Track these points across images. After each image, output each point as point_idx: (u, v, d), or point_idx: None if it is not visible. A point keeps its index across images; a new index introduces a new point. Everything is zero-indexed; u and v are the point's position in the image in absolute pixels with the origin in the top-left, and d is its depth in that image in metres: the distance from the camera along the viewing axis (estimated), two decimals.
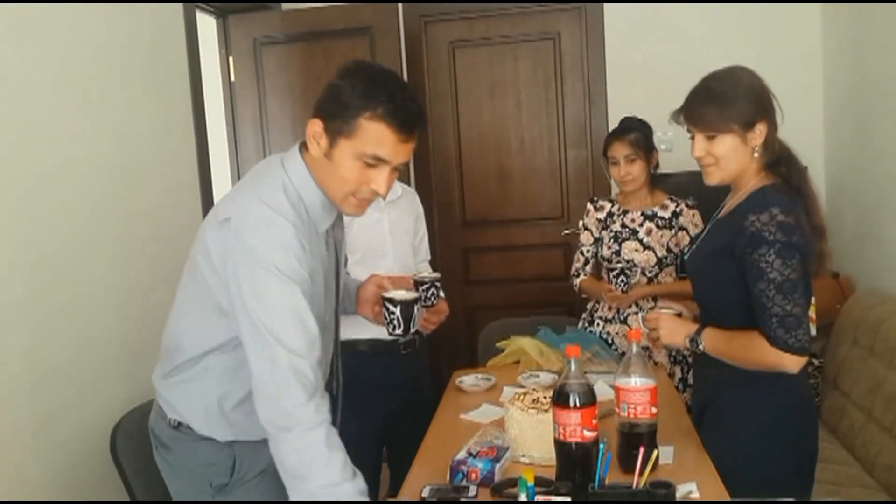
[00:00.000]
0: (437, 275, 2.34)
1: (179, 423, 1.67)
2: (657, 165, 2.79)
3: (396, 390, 2.49)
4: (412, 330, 1.86)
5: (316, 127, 1.51)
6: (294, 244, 1.47)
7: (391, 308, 1.82)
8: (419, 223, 2.69)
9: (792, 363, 1.69)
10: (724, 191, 1.93)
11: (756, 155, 1.79)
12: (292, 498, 1.46)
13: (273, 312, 1.45)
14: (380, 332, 2.36)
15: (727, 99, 1.79)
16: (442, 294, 2.46)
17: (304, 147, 1.58)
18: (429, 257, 2.75)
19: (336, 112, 1.48)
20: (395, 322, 1.83)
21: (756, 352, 1.72)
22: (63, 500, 2.17)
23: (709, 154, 1.82)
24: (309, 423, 1.44)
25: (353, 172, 1.50)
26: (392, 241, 2.51)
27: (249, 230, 1.47)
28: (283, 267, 1.45)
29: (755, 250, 1.70)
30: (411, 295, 1.87)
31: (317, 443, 1.43)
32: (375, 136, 1.47)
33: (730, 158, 1.80)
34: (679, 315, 1.96)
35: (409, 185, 4.03)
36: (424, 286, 2.30)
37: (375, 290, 1.92)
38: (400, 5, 3.95)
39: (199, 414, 1.66)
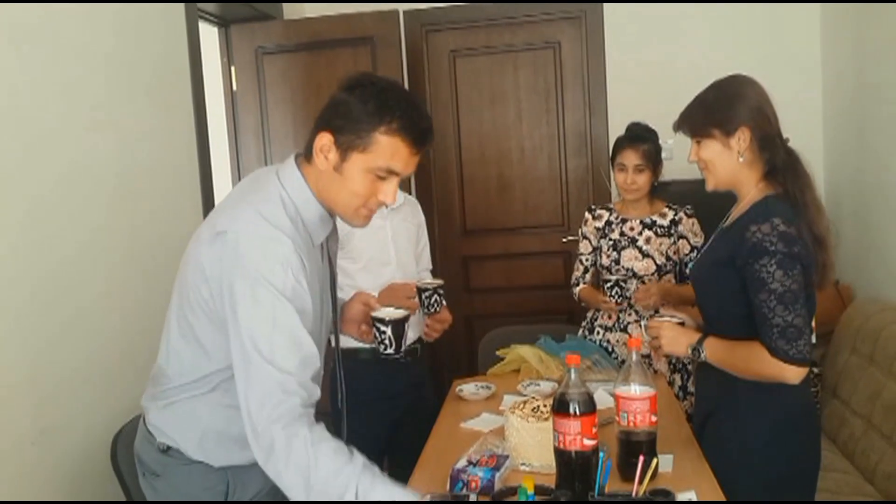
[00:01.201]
0: (439, 282, 2.37)
1: (169, 448, 1.62)
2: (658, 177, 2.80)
3: (398, 399, 2.49)
4: (404, 348, 1.81)
5: (325, 140, 1.48)
6: (293, 260, 1.45)
7: (381, 328, 1.78)
8: (421, 231, 2.71)
9: (793, 374, 1.70)
10: (724, 199, 1.94)
11: (741, 160, 1.81)
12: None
13: (264, 330, 1.42)
14: None
15: (711, 105, 1.85)
16: (444, 302, 2.49)
17: (299, 159, 1.56)
18: (430, 266, 2.77)
19: (347, 126, 1.47)
20: (387, 341, 1.79)
21: (757, 363, 1.73)
22: (63, 501, 2.17)
23: (699, 159, 1.87)
24: (287, 439, 1.39)
25: (365, 185, 1.50)
26: (395, 248, 2.53)
27: (247, 245, 1.44)
28: (279, 284, 1.42)
29: (756, 261, 1.71)
30: (401, 312, 1.82)
31: (299, 447, 1.38)
32: (390, 150, 1.47)
33: (715, 163, 1.84)
34: (682, 324, 1.97)
35: (411, 193, 4.05)
36: (427, 293, 2.32)
37: (362, 308, 1.87)
38: (401, 15, 3.97)
39: (192, 439, 1.61)
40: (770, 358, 1.70)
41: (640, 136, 2.75)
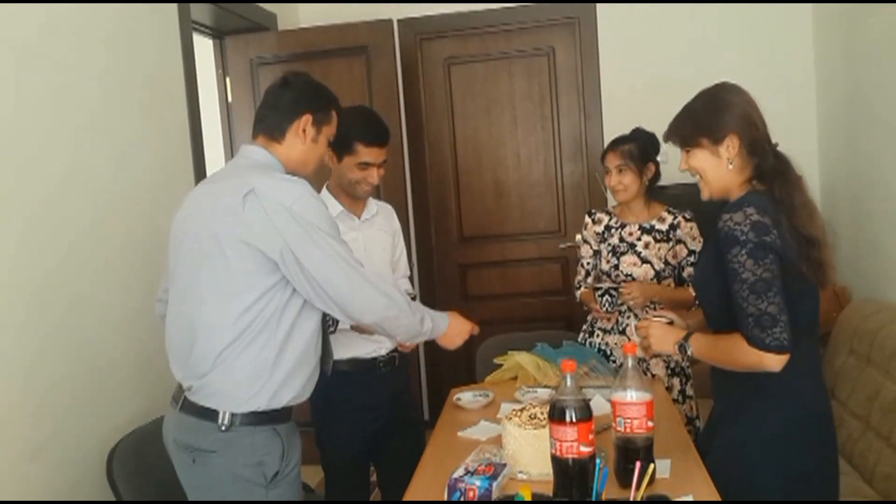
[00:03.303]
0: (412, 292, 2.40)
1: (233, 421, 1.76)
2: (655, 178, 2.79)
3: (378, 408, 2.49)
4: None
5: (306, 121, 1.92)
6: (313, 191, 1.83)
7: None
8: (397, 239, 2.68)
9: (772, 362, 1.69)
10: (723, 203, 1.94)
11: (731, 167, 1.82)
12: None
13: (331, 229, 1.81)
14: (359, 351, 2.37)
15: (698, 115, 1.86)
16: None
17: (258, 143, 1.93)
18: (408, 273, 2.75)
19: (321, 108, 1.95)
20: None
21: (737, 353, 1.74)
22: (63, 501, 2.17)
23: (690, 167, 1.88)
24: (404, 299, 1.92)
25: (325, 150, 2.01)
26: (367, 259, 2.48)
27: (281, 188, 1.76)
28: (322, 213, 1.81)
29: (728, 250, 1.72)
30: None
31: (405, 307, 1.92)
32: (335, 121, 2.02)
33: (707, 171, 1.85)
34: (671, 323, 1.98)
35: (406, 201, 4.06)
36: None
37: None
38: (395, 24, 3.98)
39: (265, 386, 1.78)
40: (748, 347, 1.70)
41: (622, 138, 2.77)
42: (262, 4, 3.89)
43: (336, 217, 2.45)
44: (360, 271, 1.82)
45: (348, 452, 2.50)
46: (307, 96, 1.94)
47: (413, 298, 2.32)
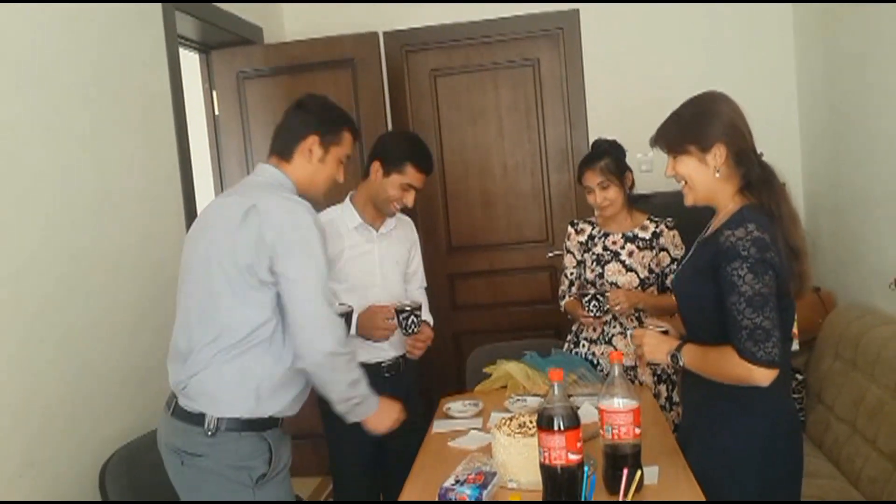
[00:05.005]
0: (417, 303, 2.42)
1: (218, 427, 1.81)
2: (633, 185, 2.82)
3: None
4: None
5: (311, 141, 1.99)
6: (315, 217, 1.88)
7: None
8: (414, 252, 2.73)
9: (761, 376, 1.72)
10: (706, 210, 1.97)
11: (718, 175, 1.84)
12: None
13: (322, 251, 1.86)
14: (363, 356, 2.41)
15: (686, 122, 1.88)
16: (430, 319, 2.53)
17: (271, 162, 2.01)
18: (424, 284, 2.79)
19: (329, 129, 2.02)
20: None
21: (728, 365, 1.75)
22: (53, 500, 2.17)
23: (677, 174, 1.90)
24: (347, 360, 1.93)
25: (335, 170, 2.06)
26: (381, 271, 2.56)
27: (283, 206, 1.84)
28: (315, 238, 1.84)
29: (729, 264, 1.74)
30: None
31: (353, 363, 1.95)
32: (350, 142, 2.08)
33: (693, 178, 1.87)
34: (665, 333, 2.00)
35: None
36: (404, 314, 2.39)
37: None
38: (381, 36, 4.00)
39: (249, 396, 1.83)
40: (739, 360, 1.72)
41: (594, 155, 2.77)
42: (247, 17, 3.90)
43: (354, 229, 2.55)
44: (329, 307, 1.88)
45: (355, 458, 2.52)
46: (316, 117, 2.02)
47: (417, 309, 2.42)
